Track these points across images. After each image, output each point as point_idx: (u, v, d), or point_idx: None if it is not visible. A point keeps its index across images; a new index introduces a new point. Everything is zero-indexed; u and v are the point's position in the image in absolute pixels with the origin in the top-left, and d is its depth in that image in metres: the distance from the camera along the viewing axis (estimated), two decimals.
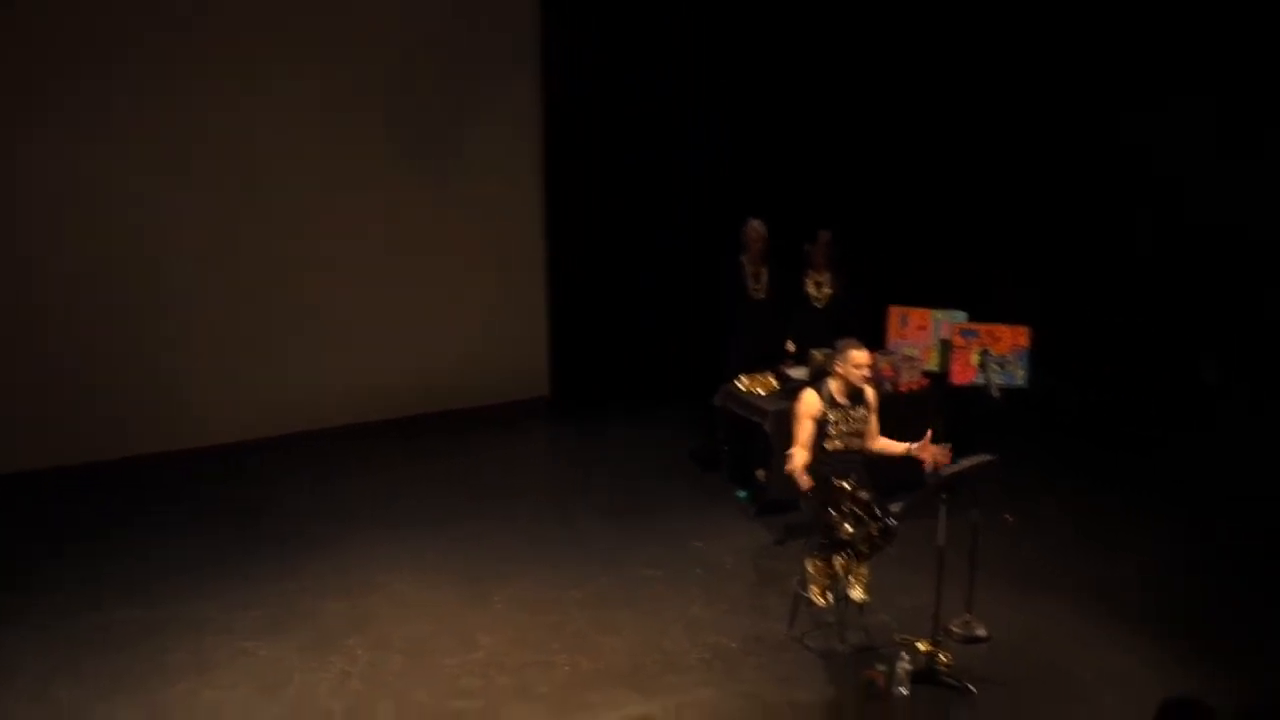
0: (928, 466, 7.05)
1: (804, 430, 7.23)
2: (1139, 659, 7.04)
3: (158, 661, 6.89)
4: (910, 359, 9.16)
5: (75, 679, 6.73)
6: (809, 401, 7.31)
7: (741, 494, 9.22)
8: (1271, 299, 10.12)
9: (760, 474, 9.03)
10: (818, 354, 8.54)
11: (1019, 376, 9.03)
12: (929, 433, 7.17)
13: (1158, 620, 7.47)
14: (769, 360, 9.26)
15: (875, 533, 6.87)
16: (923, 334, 9.38)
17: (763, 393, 8.97)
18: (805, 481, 6.99)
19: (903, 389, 9.07)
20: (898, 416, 7.82)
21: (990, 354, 9.05)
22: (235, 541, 8.34)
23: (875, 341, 9.20)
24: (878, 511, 6.89)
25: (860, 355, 7.26)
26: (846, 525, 6.84)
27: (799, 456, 7.11)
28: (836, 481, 7.14)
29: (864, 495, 6.99)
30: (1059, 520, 8.95)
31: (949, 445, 7.10)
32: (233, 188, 9.74)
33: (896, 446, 7.36)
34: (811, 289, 9.47)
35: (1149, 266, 10.92)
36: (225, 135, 9.64)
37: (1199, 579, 8.03)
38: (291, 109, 9.82)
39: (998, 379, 8.79)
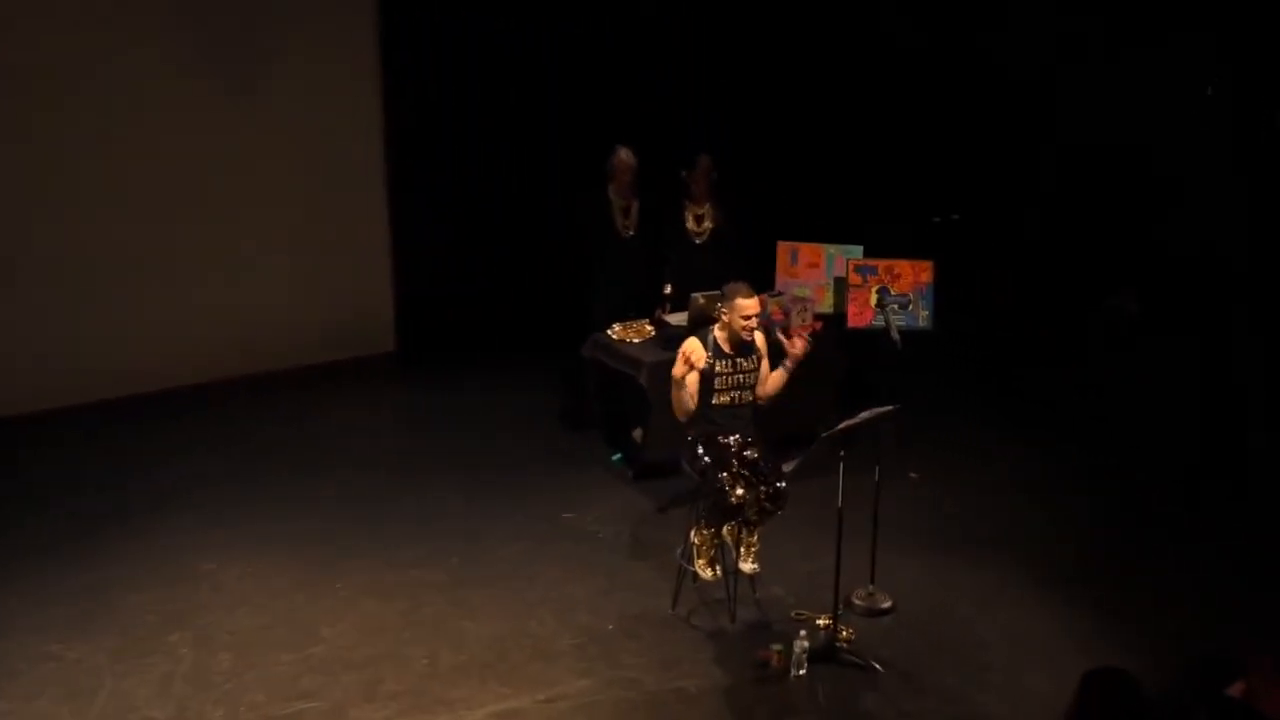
0: (800, 355, 7.34)
1: (691, 379, 7.27)
2: (1058, 626, 7.21)
3: None
4: (802, 300, 9.19)
5: None
6: (694, 350, 7.32)
7: (615, 457, 9.27)
8: (1178, 223, 10.55)
9: (637, 434, 9.05)
10: (699, 297, 8.55)
11: (922, 318, 9.16)
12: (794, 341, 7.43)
13: (1076, 581, 7.65)
14: (643, 305, 9.30)
15: (764, 497, 6.94)
16: (815, 272, 9.46)
17: (637, 342, 9.01)
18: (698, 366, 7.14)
19: (794, 334, 9.05)
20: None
21: (890, 293, 9.15)
22: (32, 528, 8.17)
23: (764, 282, 9.24)
24: (766, 473, 6.94)
25: (748, 303, 7.27)
26: (737, 489, 6.88)
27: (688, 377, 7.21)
28: (722, 439, 7.20)
29: (750, 455, 7.04)
30: (969, 474, 9.15)
31: (810, 338, 7.43)
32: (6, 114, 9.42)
33: (777, 375, 7.46)
34: (690, 223, 9.50)
35: (1053, 195, 11.37)
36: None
37: (1117, 532, 8.29)
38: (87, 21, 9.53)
39: (898, 321, 8.89)
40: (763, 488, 6.91)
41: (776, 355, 7.58)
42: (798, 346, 7.34)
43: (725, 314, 7.35)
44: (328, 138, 10.61)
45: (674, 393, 7.24)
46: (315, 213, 10.69)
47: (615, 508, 8.58)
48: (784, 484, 6.89)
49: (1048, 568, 7.79)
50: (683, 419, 7.35)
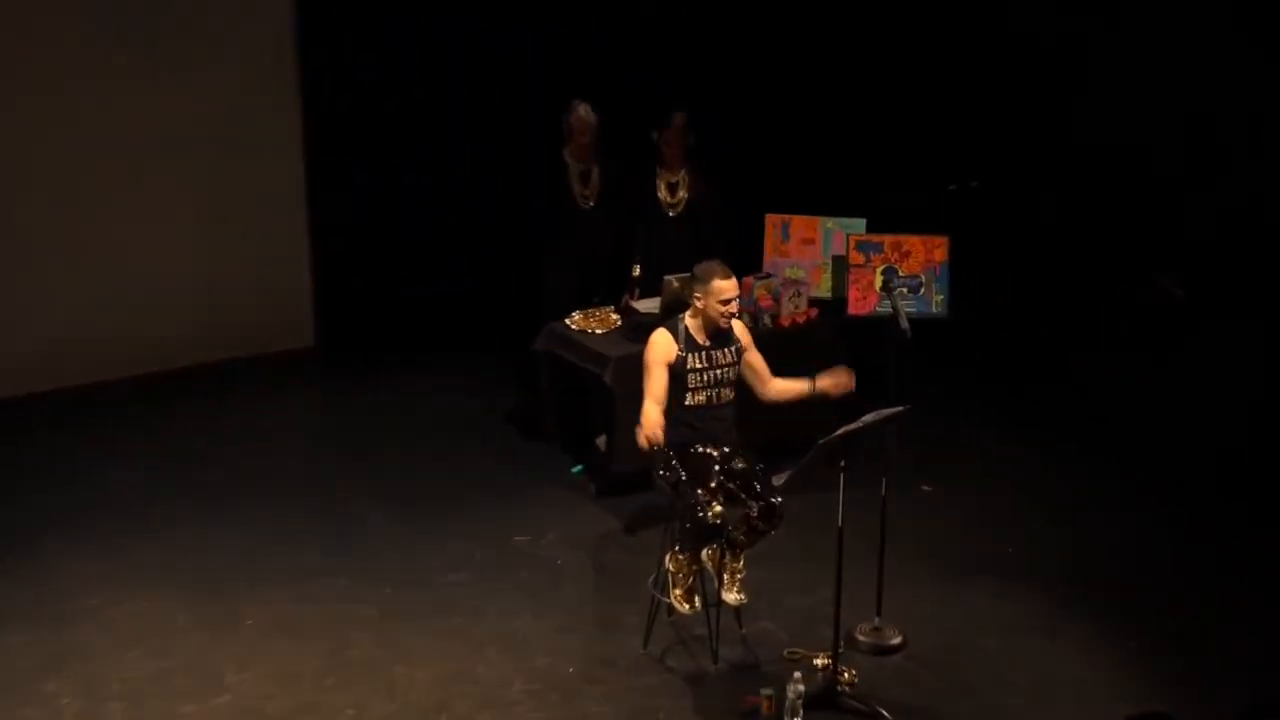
0: (833, 393, 7.27)
1: (655, 381, 7.27)
2: (1091, 663, 7.26)
3: None
4: (794, 283, 9.23)
5: None
6: (660, 344, 7.33)
7: (576, 469, 9.30)
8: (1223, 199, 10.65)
9: (600, 441, 9.07)
10: (673, 280, 8.56)
11: (936, 303, 9.16)
12: (840, 371, 7.37)
13: (1112, 612, 7.70)
14: (606, 289, 9.35)
15: (755, 514, 6.96)
16: (810, 250, 9.46)
17: (600, 333, 9.01)
18: (653, 440, 7.02)
19: (785, 323, 9.17)
20: (778, 360, 7.88)
21: (898, 274, 9.15)
22: None
23: (749, 262, 9.29)
24: (757, 486, 6.95)
25: (724, 285, 7.27)
26: (716, 506, 6.91)
27: (651, 415, 7.14)
28: (700, 448, 7.23)
29: (739, 465, 7.07)
30: (990, 488, 9.18)
31: (852, 372, 7.30)
32: None
33: (796, 386, 7.45)
34: (663, 193, 9.52)
35: (1086, 161, 11.40)
36: None
37: (1157, 555, 8.36)
38: None
39: (908, 307, 8.82)
40: (753, 503, 6.93)
41: (773, 347, 7.61)
42: (843, 381, 7.31)
43: (699, 299, 7.34)
44: (239, 115, 10.73)
45: (645, 403, 7.22)
46: (224, 194, 10.82)
47: (576, 529, 8.59)
48: (778, 499, 6.93)
49: (1079, 596, 7.84)
50: None
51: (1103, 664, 7.25)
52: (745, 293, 8.84)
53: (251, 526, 8.57)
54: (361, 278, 11.30)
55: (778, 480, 7.02)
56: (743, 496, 6.99)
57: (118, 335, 10.56)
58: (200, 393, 10.54)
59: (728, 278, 7.27)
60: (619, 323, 9.10)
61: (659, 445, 7.03)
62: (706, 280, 7.28)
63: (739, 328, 7.50)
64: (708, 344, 7.37)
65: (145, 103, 10.38)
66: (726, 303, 7.26)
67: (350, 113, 11.03)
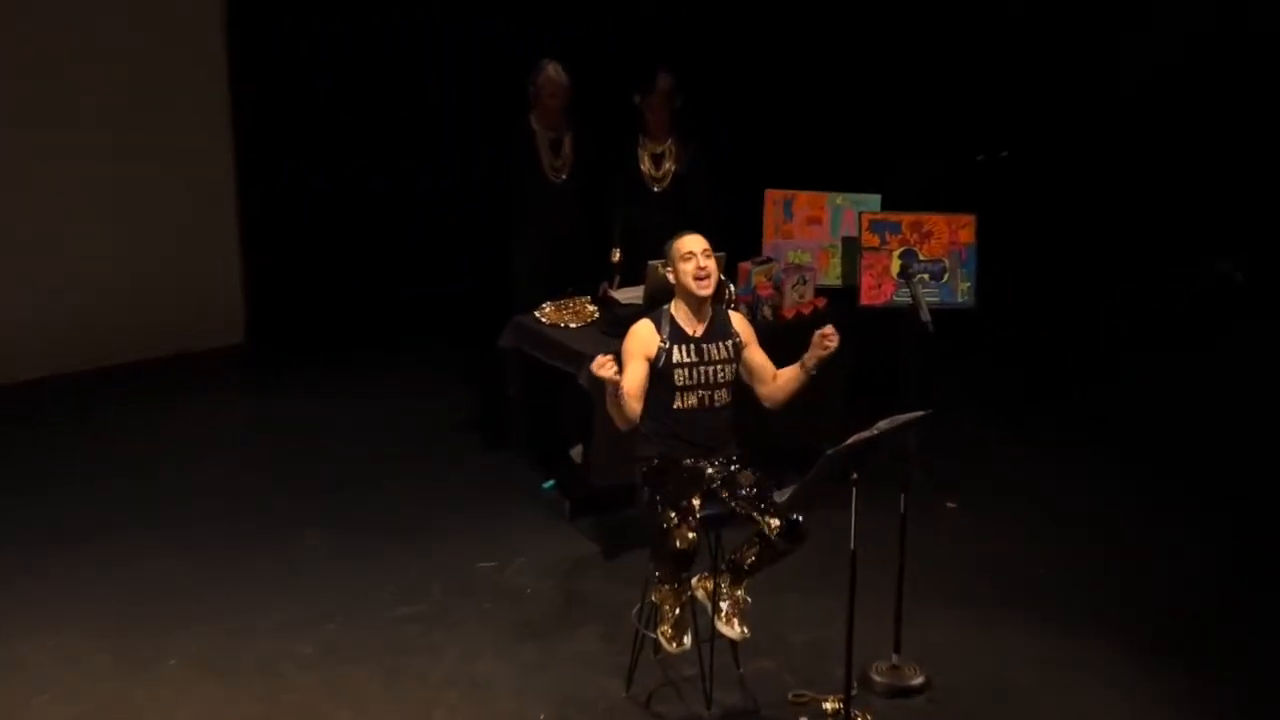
0: (823, 355, 7.08)
1: (630, 375, 7.13)
2: (1133, 706, 7.25)
3: None
4: (799, 269, 9.21)
5: None
6: (639, 334, 7.23)
7: (547, 484, 9.33)
8: None
9: (575, 452, 9.06)
10: (659, 266, 8.43)
11: (961, 291, 9.17)
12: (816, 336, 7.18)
13: (1159, 648, 7.70)
14: (582, 277, 9.38)
15: (775, 533, 6.87)
16: (816, 230, 9.48)
17: (575, 327, 9.03)
18: (611, 378, 6.77)
19: (787, 314, 9.13)
20: (779, 359, 7.77)
21: (918, 258, 9.15)
22: None
23: (747, 245, 9.31)
24: (771, 500, 6.90)
25: (686, 239, 7.19)
26: (686, 531, 6.82)
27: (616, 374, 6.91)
28: (689, 462, 7.14)
29: (745, 479, 7.01)
30: (1024, 504, 9.22)
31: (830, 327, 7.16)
32: None
33: (792, 371, 7.30)
34: (646, 165, 9.56)
35: (1137, 121, 11.43)
36: None
37: (1213, 583, 8.36)
38: None
39: (929, 296, 8.81)
40: (771, 520, 6.86)
41: (774, 343, 7.53)
42: (829, 338, 7.10)
43: (671, 273, 7.26)
44: (166, 105, 10.99)
45: (607, 401, 7.08)
46: (150, 186, 11.04)
47: (547, 554, 8.60)
48: (799, 515, 6.85)
49: (1124, 630, 7.85)
50: (625, 429, 7.22)
51: (1144, 701, 7.25)
52: (742, 280, 8.91)
53: (178, 549, 8.58)
54: (298, 272, 11.54)
55: (779, 497, 6.93)
56: (754, 515, 6.90)
57: (37, 333, 10.77)
58: (124, 395, 10.66)
59: (693, 234, 7.22)
60: (596, 315, 9.10)
61: (617, 386, 6.83)
62: (671, 244, 7.23)
63: (737, 320, 7.42)
64: (699, 335, 7.27)
65: (65, 94, 10.63)
66: (688, 258, 7.14)
67: (284, 105, 11.38)
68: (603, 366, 6.62)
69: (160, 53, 10.89)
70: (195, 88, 11.16)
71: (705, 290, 7.17)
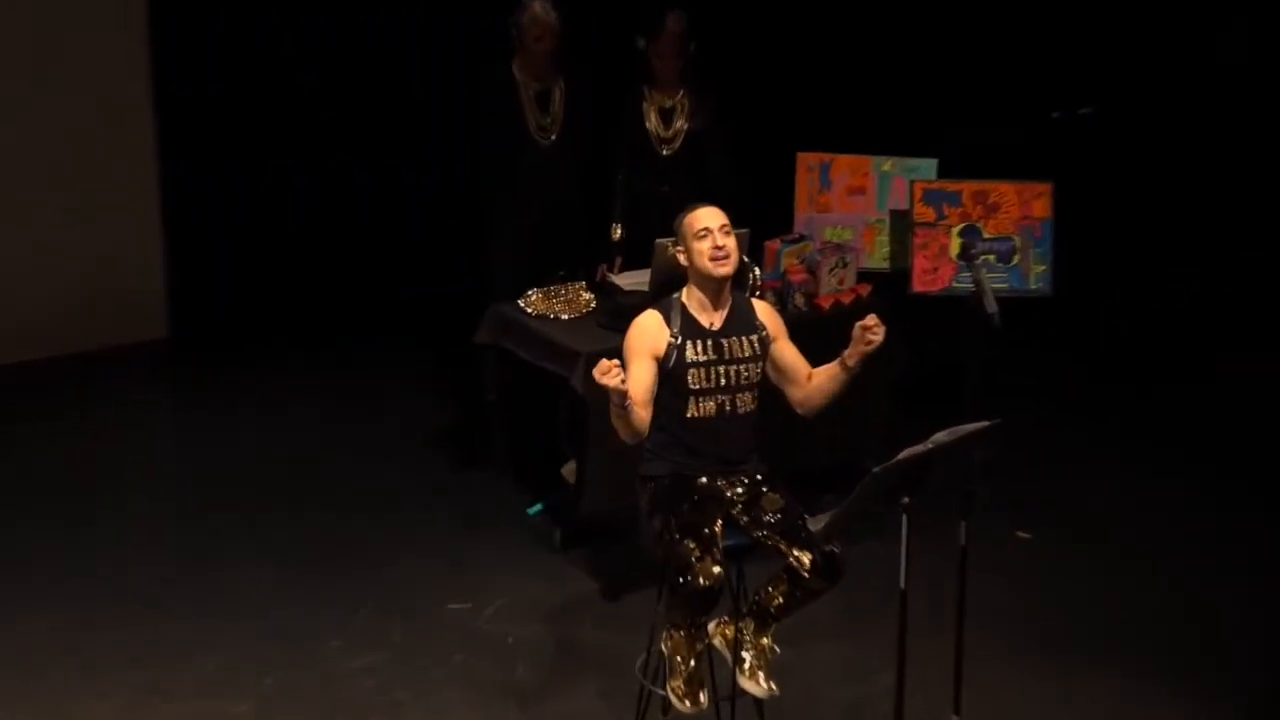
0: (867, 351, 6.97)
1: (635, 377, 7.07)
2: None
3: None
4: (838, 249, 9.17)
5: None
6: (645, 327, 7.16)
7: (534, 509, 9.30)
8: None
9: (568, 470, 8.97)
10: (669, 244, 8.32)
11: (1034, 276, 9.12)
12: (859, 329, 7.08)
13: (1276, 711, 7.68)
14: (576, 258, 9.37)
15: (809, 569, 6.77)
16: (859, 202, 9.42)
17: (568, 319, 8.99)
18: (617, 387, 6.69)
19: (824, 304, 9.08)
20: (814, 359, 7.74)
21: (982, 236, 9.09)
22: None
23: (775, 220, 9.31)
24: (803, 529, 6.80)
25: (700, 213, 7.12)
26: (710, 565, 6.71)
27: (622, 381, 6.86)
28: (704, 481, 7.06)
29: (773, 503, 6.92)
30: (1110, 535, 9.19)
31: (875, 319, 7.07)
32: None
33: (831, 370, 7.21)
34: (654, 122, 9.49)
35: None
36: None
37: None
38: None
39: (996, 282, 8.78)
40: (803, 553, 6.77)
41: (808, 338, 7.45)
42: (874, 330, 7.02)
43: (682, 253, 7.18)
44: (86, 91, 11.32)
45: (612, 413, 7.03)
46: (69, 174, 11.33)
47: (533, 593, 8.56)
48: (837, 547, 6.78)
49: (1227, 687, 7.79)
50: (632, 442, 7.18)
51: None
52: (770, 262, 8.90)
53: (83, 585, 8.56)
54: (230, 244, 11.90)
55: (814, 525, 6.82)
56: (783, 547, 6.83)
57: None
58: (17, 397, 10.83)
59: (706, 206, 7.17)
60: (593, 305, 9.08)
61: (624, 396, 6.75)
62: (683, 219, 7.16)
63: (763, 310, 7.35)
64: (717, 328, 7.19)
65: None
66: (703, 236, 7.07)
67: (209, 93, 11.81)
68: (607, 374, 6.51)
69: (77, 39, 11.26)
70: (113, 73, 11.50)
71: (724, 270, 7.06)
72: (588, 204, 9.61)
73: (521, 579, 8.65)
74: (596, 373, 6.55)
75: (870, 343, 6.94)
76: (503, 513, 9.27)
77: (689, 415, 7.09)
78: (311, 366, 11.36)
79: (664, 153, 9.47)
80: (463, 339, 9.46)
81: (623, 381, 6.60)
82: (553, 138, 9.45)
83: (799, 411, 7.27)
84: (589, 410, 8.45)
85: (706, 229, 7.02)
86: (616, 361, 6.61)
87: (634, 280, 8.84)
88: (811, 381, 7.25)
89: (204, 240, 11.86)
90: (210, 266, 11.87)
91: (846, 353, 7.03)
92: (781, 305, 8.66)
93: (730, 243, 7.07)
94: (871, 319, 6.92)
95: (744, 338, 7.17)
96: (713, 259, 7.02)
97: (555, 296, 9.07)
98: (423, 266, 12.00)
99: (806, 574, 6.77)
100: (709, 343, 7.10)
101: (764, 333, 7.22)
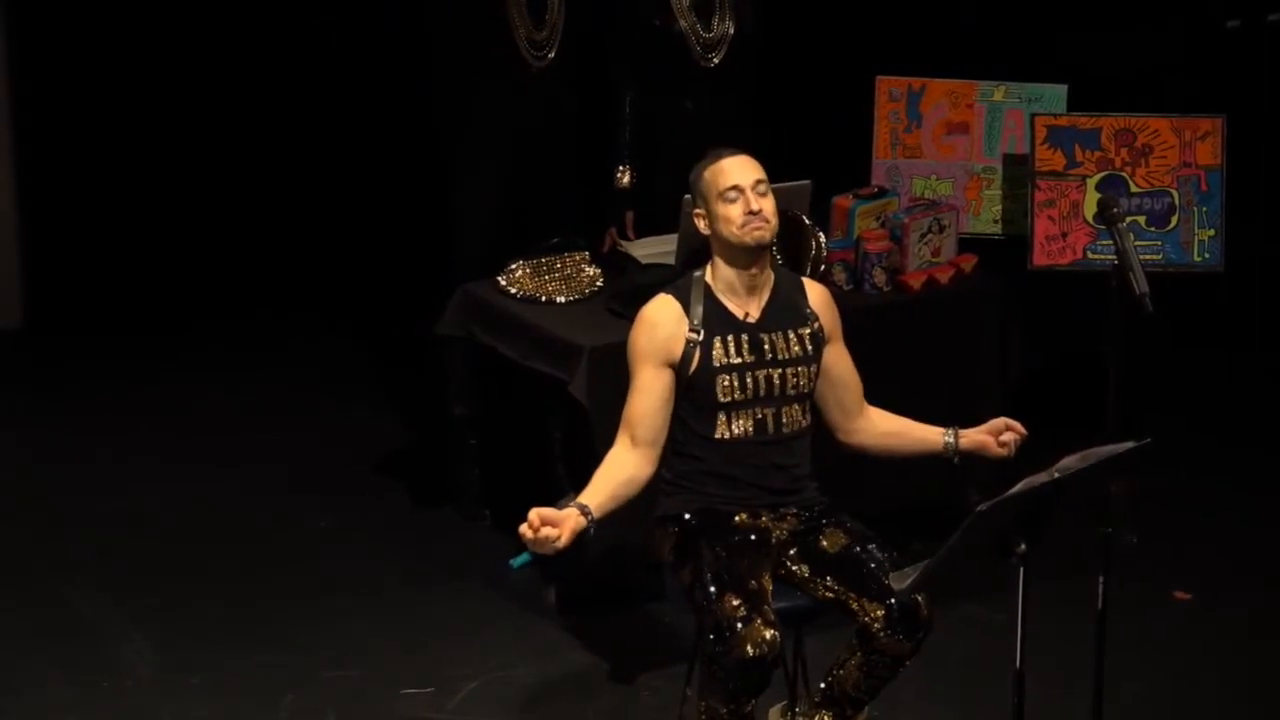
0: (990, 454, 7.09)
1: (640, 394, 7.08)
2: None
3: None
4: (931, 207, 9.22)
5: None
6: (656, 319, 7.10)
7: (518, 560, 9.41)
8: None
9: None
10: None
11: (1199, 245, 9.11)
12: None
13: None
14: (573, 218, 9.49)
15: (882, 627, 6.77)
16: (960, 144, 9.52)
17: (563, 302, 9.09)
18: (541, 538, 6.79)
19: (911, 283, 9.12)
20: (899, 360, 7.89)
21: (1128, 190, 9.14)
22: None
23: (843, 167, 9.36)
24: (876, 579, 6.82)
25: (728, 163, 7.03)
26: (763, 628, 6.65)
27: (596, 484, 7.05)
28: (743, 520, 7.04)
29: (835, 543, 6.93)
30: None
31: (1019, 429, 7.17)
32: None
33: (919, 432, 7.31)
34: (687, 20, 9.37)
35: None
36: None
37: None
38: None
39: (1147, 252, 8.84)
40: (874, 606, 6.78)
41: (889, 332, 7.63)
42: (1007, 443, 7.14)
43: (700, 215, 7.11)
44: None
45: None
46: None
47: (519, 674, 8.58)
48: (920, 597, 6.78)
49: None
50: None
51: None
52: (838, 224, 8.98)
53: None
54: (102, 225, 12.87)
55: (897, 583, 6.71)
56: (852, 601, 6.85)
57: None
58: None
59: (735, 153, 7.07)
60: (600, 283, 9.15)
61: (557, 545, 6.81)
62: (701, 171, 7.10)
63: (817, 295, 7.30)
64: (752, 320, 7.11)
65: None
66: (732, 197, 6.97)
67: (65, 70, 12.96)
68: (538, 537, 6.65)
69: None
70: None
71: (760, 234, 6.96)
72: (589, 144, 9.58)
73: (501, 654, 8.65)
74: (525, 537, 6.61)
75: (999, 453, 7.07)
76: (475, 565, 9.36)
77: (718, 437, 7.06)
78: (223, 360, 11.59)
79: (700, 65, 9.33)
80: (421, 330, 9.62)
81: (557, 540, 6.64)
82: (549, 56, 9.41)
83: (839, 438, 7.30)
84: (593, 427, 8.41)
85: (736, 187, 6.93)
86: (540, 513, 6.63)
87: (654, 250, 8.91)
88: (871, 418, 7.30)
89: (62, 222, 12.67)
90: (74, 248, 12.60)
91: (965, 437, 7.13)
92: (852, 284, 8.69)
93: (768, 205, 6.97)
94: (1016, 426, 7.05)
95: (791, 331, 7.12)
96: (744, 227, 6.94)
97: (548, 272, 9.14)
98: (353, 232, 12.34)
99: (878, 630, 6.75)
100: (743, 339, 7.05)
101: (816, 326, 7.16)
